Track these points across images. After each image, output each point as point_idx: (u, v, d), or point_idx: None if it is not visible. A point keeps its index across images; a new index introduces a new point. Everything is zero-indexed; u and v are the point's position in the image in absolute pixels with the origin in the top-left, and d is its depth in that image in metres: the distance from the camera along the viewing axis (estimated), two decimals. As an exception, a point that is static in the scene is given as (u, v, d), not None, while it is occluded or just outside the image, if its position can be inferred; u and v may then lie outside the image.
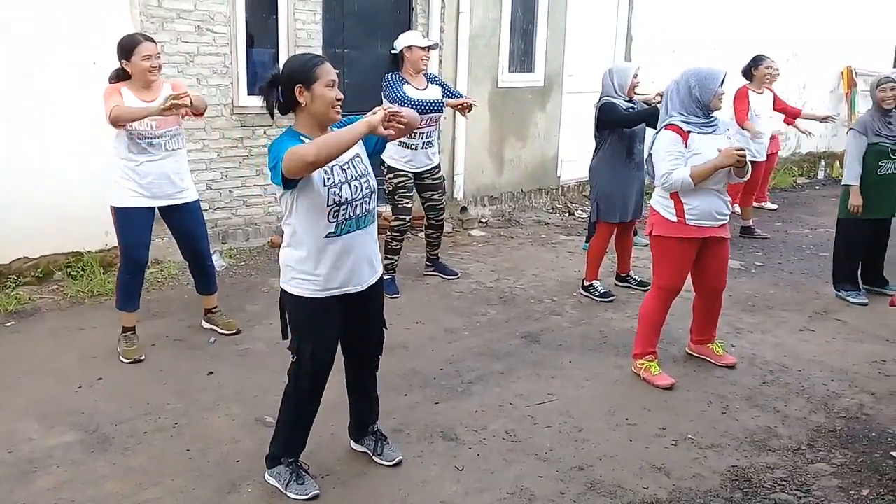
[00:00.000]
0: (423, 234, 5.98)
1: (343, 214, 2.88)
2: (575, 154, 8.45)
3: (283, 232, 2.99)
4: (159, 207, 4.30)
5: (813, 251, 7.11)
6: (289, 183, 2.76)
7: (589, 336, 4.84)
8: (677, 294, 4.22)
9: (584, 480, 3.24)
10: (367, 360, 3.27)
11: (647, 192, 5.82)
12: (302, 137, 2.81)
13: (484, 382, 4.13)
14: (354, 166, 2.94)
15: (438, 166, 5.59)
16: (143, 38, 4.14)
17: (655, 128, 5.18)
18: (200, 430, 3.56)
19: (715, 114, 4.05)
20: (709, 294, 4.32)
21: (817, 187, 10.70)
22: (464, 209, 7.57)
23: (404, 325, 4.86)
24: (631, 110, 5.30)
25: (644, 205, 5.69)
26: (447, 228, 6.14)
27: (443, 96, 5.43)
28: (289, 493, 3.03)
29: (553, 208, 8.46)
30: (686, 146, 3.96)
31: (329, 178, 2.84)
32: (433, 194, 5.57)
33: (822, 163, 11.53)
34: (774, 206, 8.90)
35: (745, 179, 4.15)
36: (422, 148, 5.37)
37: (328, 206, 2.84)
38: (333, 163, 2.87)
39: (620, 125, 5.25)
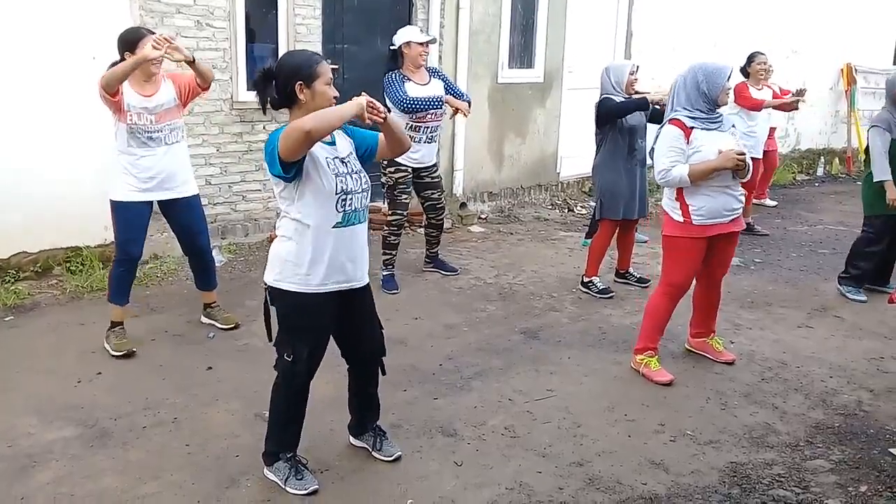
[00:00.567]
0: (422, 232, 5.98)
1: (349, 205, 2.89)
2: (574, 150, 8.45)
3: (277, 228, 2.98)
4: (159, 201, 4.30)
5: (812, 248, 7.11)
6: (289, 169, 2.75)
7: (588, 332, 4.84)
8: (685, 291, 4.21)
9: (583, 476, 3.25)
10: (370, 366, 3.26)
11: (650, 188, 5.84)
12: None
13: (483, 378, 4.14)
14: (352, 162, 2.97)
15: (436, 165, 5.59)
16: (145, 31, 4.15)
17: (649, 119, 5.20)
18: (199, 424, 3.56)
19: (720, 110, 4.05)
20: (708, 282, 4.33)
21: (816, 184, 10.70)
22: (463, 205, 7.57)
23: (403, 321, 4.86)
24: None
25: (649, 202, 5.70)
26: (446, 224, 6.14)
27: (446, 91, 5.43)
28: (288, 488, 3.04)
29: (552, 204, 8.46)
30: (688, 142, 3.95)
31: (335, 168, 2.86)
32: (433, 193, 5.57)
33: (822, 160, 11.53)
34: (774, 203, 8.90)
35: (746, 180, 4.14)
36: (425, 143, 5.36)
37: (337, 193, 2.84)
38: (334, 155, 2.88)
39: (615, 115, 5.26)
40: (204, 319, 4.72)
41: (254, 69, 6.05)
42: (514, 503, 3.06)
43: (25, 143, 5.12)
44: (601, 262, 5.59)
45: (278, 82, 2.86)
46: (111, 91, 3.93)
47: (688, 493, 3.15)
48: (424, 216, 5.73)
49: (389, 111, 2.95)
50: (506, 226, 7.55)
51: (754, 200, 7.96)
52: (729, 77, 3.97)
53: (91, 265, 5.39)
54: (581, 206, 8.37)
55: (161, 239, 5.45)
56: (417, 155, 5.34)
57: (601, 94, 5.39)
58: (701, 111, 3.97)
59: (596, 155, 5.49)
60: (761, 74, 7.20)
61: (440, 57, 7.19)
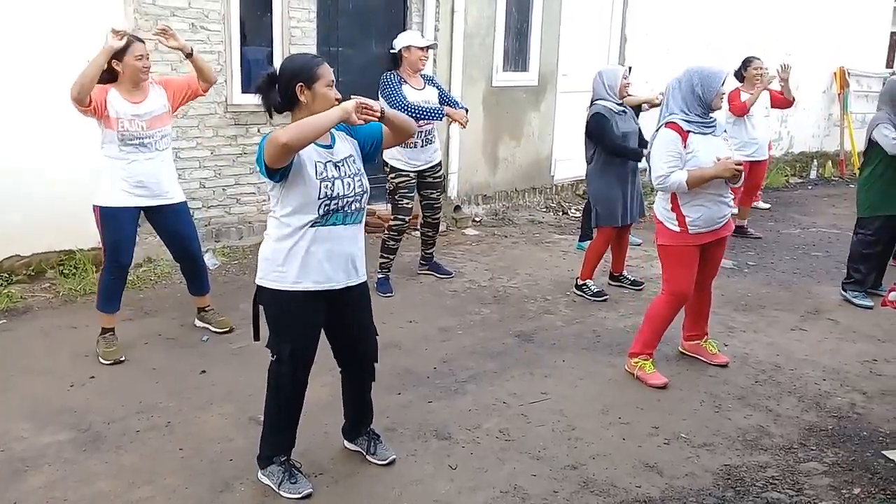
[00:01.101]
0: (417, 233, 5.98)
1: (333, 207, 2.88)
2: (569, 153, 8.46)
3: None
4: (144, 209, 4.27)
5: (805, 251, 7.13)
6: (272, 174, 2.76)
7: (582, 335, 4.85)
8: (687, 299, 4.20)
9: (578, 479, 3.25)
10: (361, 369, 3.25)
11: (644, 190, 5.85)
12: None
13: (477, 381, 4.14)
14: (348, 165, 2.95)
15: (440, 164, 5.60)
16: (134, 38, 4.13)
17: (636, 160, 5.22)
18: (193, 428, 3.55)
19: (713, 114, 4.06)
20: (701, 283, 4.33)
21: (809, 187, 10.73)
22: (458, 208, 7.57)
23: (398, 324, 4.86)
24: (622, 113, 5.33)
25: (643, 204, 5.71)
26: (441, 227, 6.14)
27: (440, 100, 5.44)
28: (282, 492, 3.03)
29: (547, 207, 8.47)
30: (685, 146, 3.96)
31: (322, 172, 2.85)
32: (432, 192, 5.58)
33: (815, 163, 11.57)
34: (767, 206, 8.93)
35: (738, 185, 4.14)
36: (422, 146, 5.37)
37: (319, 198, 2.84)
38: (327, 158, 2.87)
39: (602, 146, 5.30)
40: (198, 323, 4.71)
41: (249, 72, 6.08)
42: (509, 506, 3.06)
43: (19, 146, 5.11)
44: (597, 266, 5.60)
45: (280, 86, 2.87)
46: (83, 100, 3.89)
47: (682, 496, 3.15)
48: (420, 215, 5.74)
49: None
50: (500, 229, 7.55)
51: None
52: (724, 81, 3.99)
53: (84, 268, 5.37)
54: (575, 209, 8.38)
55: (154, 242, 5.42)
56: (416, 160, 5.35)
57: (593, 99, 5.40)
58: (696, 115, 3.98)
59: (588, 163, 5.49)
60: (757, 79, 7.22)
61: (435, 60, 7.19)
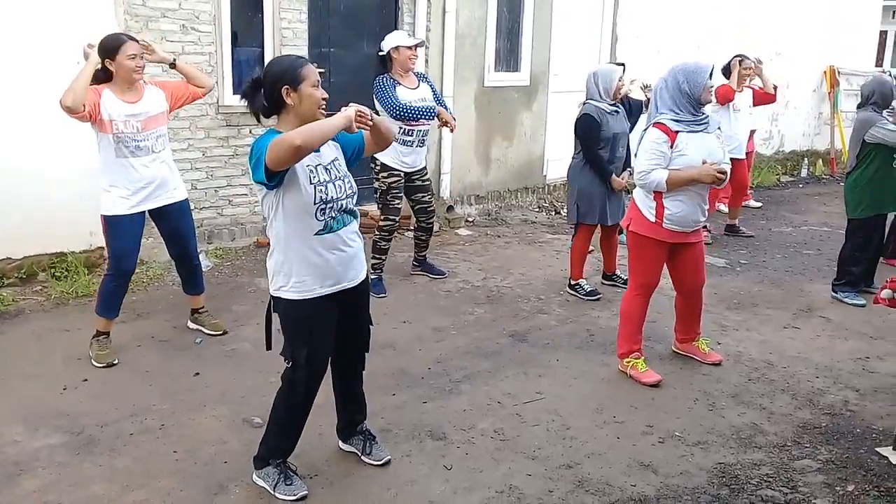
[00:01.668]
0: (410, 235, 5.97)
1: (329, 212, 2.88)
2: (561, 153, 8.45)
3: (269, 237, 2.98)
4: (150, 210, 4.26)
5: (797, 249, 7.16)
6: (272, 178, 2.74)
7: (576, 334, 4.85)
8: (654, 289, 4.25)
9: (572, 478, 3.25)
10: (353, 358, 3.25)
11: (629, 190, 5.87)
12: None
13: (472, 381, 4.14)
14: (336, 168, 2.96)
15: (425, 168, 5.59)
16: (127, 37, 4.11)
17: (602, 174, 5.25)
18: (187, 431, 3.54)
19: (705, 109, 4.07)
20: (687, 291, 4.35)
21: (801, 186, 10.77)
22: (450, 208, 7.57)
23: (392, 325, 4.86)
24: (615, 113, 5.34)
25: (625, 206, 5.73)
26: (434, 228, 6.14)
27: (433, 97, 5.44)
28: (277, 494, 3.02)
29: (539, 207, 8.48)
30: (672, 146, 3.97)
31: (315, 177, 2.84)
32: (423, 196, 5.57)
33: (806, 161, 11.62)
34: (758, 204, 8.96)
35: (720, 186, 4.15)
36: (417, 146, 5.37)
37: (315, 203, 2.84)
38: (317, 162, 2.87)
39: (585, 148, 5.34)
40: (191, 325, 4.69)
41: (240, 73, 6.07)
42: (504, 506, 3.06)
43: (9, 148, 5.08)
44: (584, 263, 5.61)
45: (265, 89, 2.86)
46: (77, 108, 3.87)
47: (677, 495, 3.16)
48: (414, 219, 5.72)
49: (378, 114, 2.95)
50: (493, 228, 7.55)
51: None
52: (711, 75, 3.99)
53: (76, 271, 5.34)
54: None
55: (147, 244, 5.40)
56: (409, 159, 5.35)
57: (585, 99, 5.40)
58: (686, 112, 3.99)
59: (574, 157, 5.50)
60: (745, 78, 7.25)
61: (427, 60, 7.20)
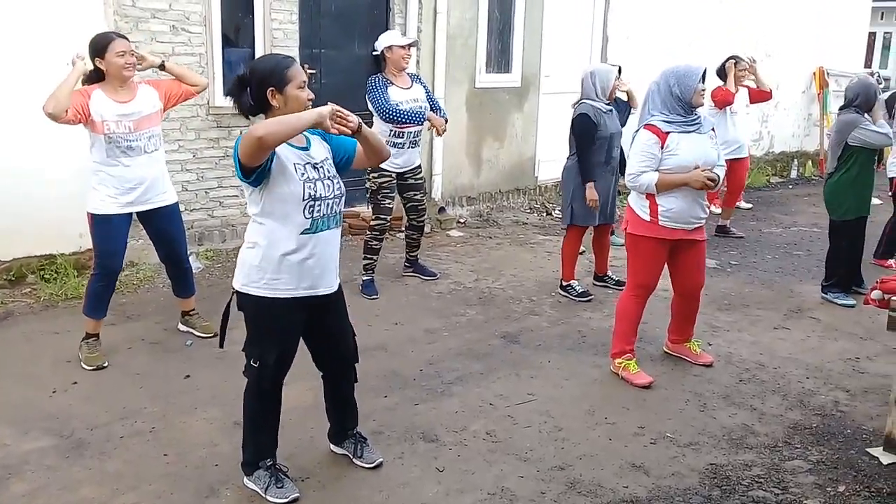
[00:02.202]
0: (402, 235, 5.97)
1: (318, 211, 2.87)
2: (552, 154, 8.47)
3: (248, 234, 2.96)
4: (138, 212, 4.24)
5: (787, 249, 7.19)
6: (249, 174, 2.73)
7: (568, 336, 4.86)
8: (652, 291, 4.25)
9: (565, 480, 3.25)
10: (342, 372, 3.24)
11: (621, 191, 5.88)
12: None
13: (464, 383, 4.13)
14: (325, 167, 2.94)
15: (420, 166, 5.59)
16: (115, 35, 4.09)
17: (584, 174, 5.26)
18: (178, 434, 3.53)
19: (698, 111, 4.08)
20: (686, 292, 4.36)
21: (790, 186, 10.82)
22: (442, 210, 7.57)
23: (383, 327, 4.85)
24: (610, 112, 5.35)
25: (618, 206, 5.74)
26: (425, 229, 6.14)
27: (426, 97, 5.45)
28: (268, 497, 3.01)
29: (531, 208, 8.49)
30: (663, 147, 3.98)
31: (304, 174, 2.83)
32: (415, 195, 5.57)
33: (795, 162, 11.67)
34: (749, 205, 8.99)
35: (714, 189, 4.16)
36: (408, 147, 5.37)
37: (304, 199, 2.82)
38: (306, 160, 2.85)
39: (578, 147, 5.33)
40: (181, 327, 4.67)
41: (231, 74, 6.04)
42: (497, 508, 3.06)
43: (-2, 149, 5.05)
44: (575, 265, 5.62)
45: (252, 89, 2.84)
46: (59, 115, 3.85)
47: (668, 496, 3.17)
48: (405, 219, 5.72)
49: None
50: (484, 230, 7.55)
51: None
52: (702, 78, 4.00)
53: (65, 273, 5.32)
54: (559, 210, 8.38)
55: (137, 246, 5.39)
56: (400, 160, 5.33)
57: (581, 98, 5.40)
58: (677, 114, 4.00)
59: (569, 158, 5.50)
60: (740, 78, 7.29)
61: (418, 61, 7.19)
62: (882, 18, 18.04)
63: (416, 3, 7.09)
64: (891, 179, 6.38)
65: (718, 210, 7.87)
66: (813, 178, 11.47)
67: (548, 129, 8.47)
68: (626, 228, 4.22)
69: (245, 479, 3.10)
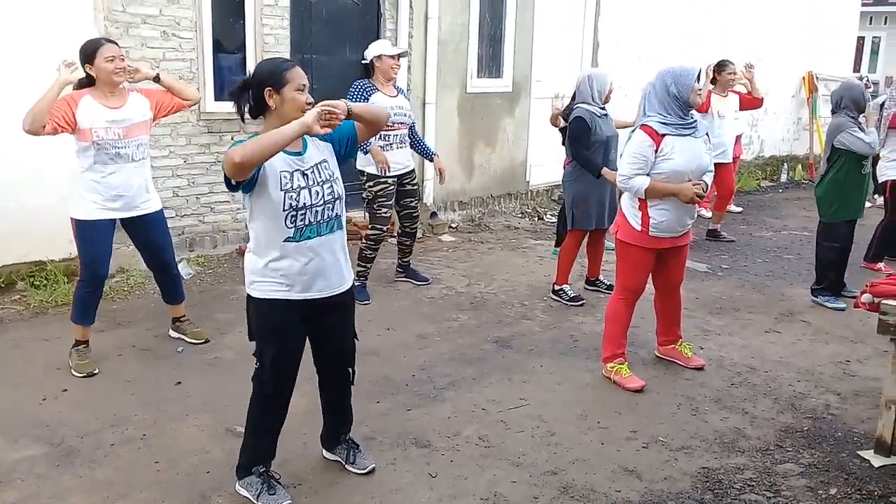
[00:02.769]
0: (394, 241, 5.97)
1: (301, 220, 2.85)
2: (543, 159, 8.51)
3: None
4: (122, 219, 4.22)
5: (777, 253, 7.22)
6: (234, 186, 2.74)
7: (560, 340, 4.86)
8: (640, 295, 4.27)
9: (557, 485, 3.25)
10: (337, 373, 3.23)
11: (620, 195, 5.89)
12: None
13: (456, 388, 4.13)
14: (319, 171, 2.91)
15: (414, 170, 5.59)
16: (105, 40, 4.08)
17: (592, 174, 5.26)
18: (169, 441, 3.51)
19: (693, 114, 4.09)
20: (666, 289, 4.39)
21: (780, 190, 10.88)
22: (434, 214, 7.57)
23: (375, 332, 4.84)
24: (605, 116, 5.38)
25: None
26: (417, 234, 6.14)
27: (409, 130, 5.52)
28: (260, 504, 3.00)
29: (522, 213, 8.50)
30: (658, 150, 3.98)
31: (287, 183, 2.82)
32: (410, 201, 5.57)
33: (785, 166, 11.74)
34: (739, 209, 9.03)
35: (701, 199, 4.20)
36: (397, 147, 5.36)
37: (283, 210, 2.82)
38: (295, 167, 2.85)
39: (573, 150, 5.34)
40: (172, 333, 4.65)
41: (222, 80, 6.04)
42: (489, 514, 3.06)
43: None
44: (571, 270, 5.62)
45: (252, 90, 2.86)
46: (38, 131, 3.85)
47: (661, 500, 3.17)
48: (398, 225, 5.72)
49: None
50: (476, 235, 7.56)
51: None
52: (698, 78, 4.01)
53: (55, 280, 5.29)
54: (551, 214, 8.41)
55: (127, 252, 5.36)
56: (395, 164, 5.32)
57: (576, 103, 5.41)
58: (674, 116, 4.00)
59: (566, 164, 5.52)
60: (731, 83, 7.33)
61: (409, 67, 7.20)
62: (871, 23, 18.18)
63: (407, 8, 7.09)
64: (883, 183, 6.41)
65: (709, 214, 7.90)
66: (803, 181, 11.53)
67: (539, 133, 8.48)
68: (616, 233, 4.23)
69: (237, 485, 3.08)
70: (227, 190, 2.84)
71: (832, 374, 4.46)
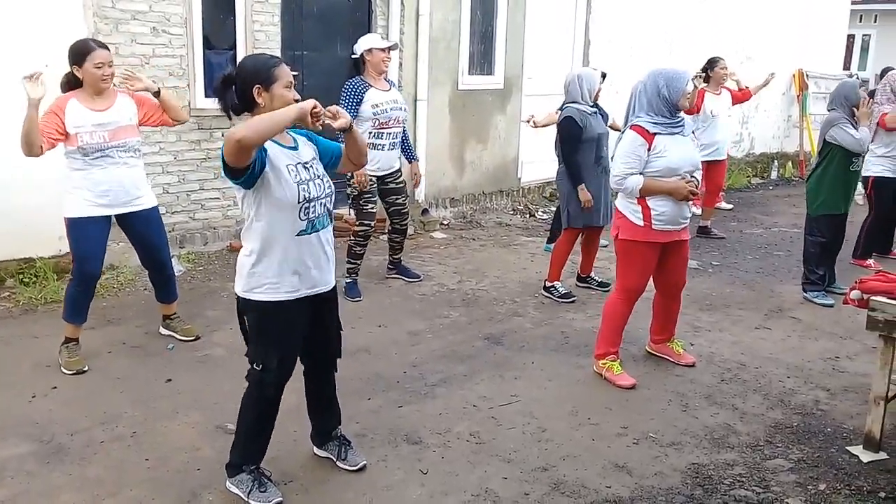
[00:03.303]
0: (385, 238, 5.96)
1: (312, 212, 2.87)
2: (535, 155, 8.51)
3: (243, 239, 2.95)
4: (116, 216, 4.20)
5: (767, 250, 7.25)
6: (237, 176, 2.71)
7: (551, 337, 4.87)
8: (640, 295, 4.27)
9: (548, 481, 3.26)
10: (326, 365, 3.23)
11: (614, 194, 5.90)
12: None
13: (447, 385, 4.13)
14: (315, 167, 2.94)
15: (400, 170, 5.58)
16: (96, 44, 4.03)
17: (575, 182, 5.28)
18: (159, 438, 3.50)
19: (680, 114, 4.10)
20: (670, 291, 4.38)
21: (771, 187, 10.92)
22: (425, 211, 7.56)
23: (367, 329, 4.84)
24: (595, 115, 5.39)
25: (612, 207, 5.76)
26: (409, 231, 6.14)
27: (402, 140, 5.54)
28: (251, 501, 2.98)
29: (514, 210, 8.50)
30: (650, 148, 3.99)
31: (297, 175, 2.82)
32: (397, 199, 5.56)
33: (775, 163, 11.78)
34: (729, 206, 9.06)
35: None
36: (388, 149, 5.35)
37: (299, 202, 2.82)
38: (296, 160, 2.85)
39: (564, 152, 5.36)
40: (163, 331, 4.63)
41: (212, 76, 6.01)
42: (480, 510, 3.06)
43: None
44: (563, 267, 5.63)
45: (237, 87, 2.84)
46: (36, 153, 3.89)
47: (651, 496, 3.18)
48: (388, 222, 5.71)
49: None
50: (468, 231, 7.56)
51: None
52: (688, 82, 4.03)
53: (45, 277, 5.26)
54: (542, 211, 8.42)
55: (118, 249, 5.35)
56: (379, 164, 5.32)
57: (566, 102, 5.43)
58: (663, 116, 4.01)
59: (560, 163, 5.52)
60: (724, 79, 7.36)
61: (400, 63, 7.19)
62: (860, 21, 18.26)
63: (398, 5, 7.08)
64: (866, 178, 6.45)
65: (699, 211, 7.92)
66: (793, 179, 11.58)
67: (531, 130, 8.43)
68: (616, 235, 4.22)
69: (227, 482, 3.08)
70: (232, 184, 2.78)
71: (821, 371, 4.48)
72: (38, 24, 5.10)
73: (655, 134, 3.99)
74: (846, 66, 13.56)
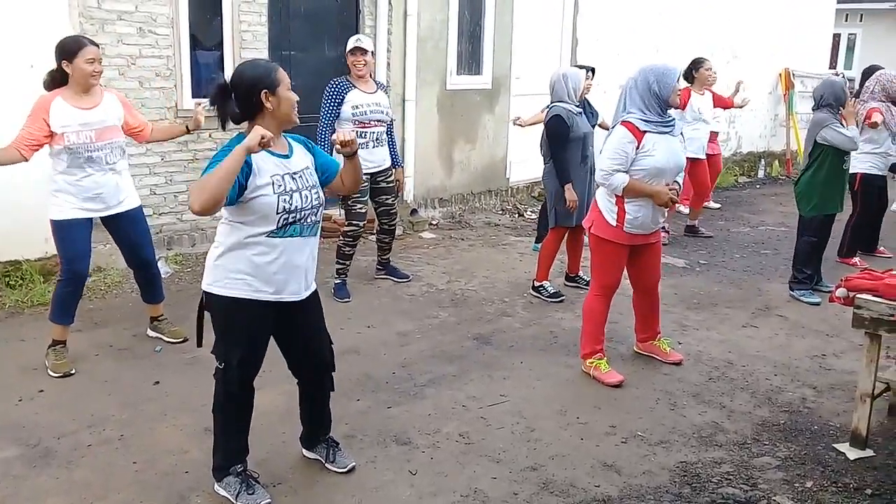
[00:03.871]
0: (373, 238, 5.96)
1: (291, 221, 2.85)
2: (523, 155, 8.52)
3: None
4: (101, 217, 4.18)
5: (755, 249, 7.29)
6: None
7: (540, 336, 4.88)
8: (615, 290, 4.30)
9: (537, 480, 3.26)
10: (313, 378, 3.22)
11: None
12: None
13: (436, 385, 4.13)
14: (305, 177, 2.92)
15: (391, 169, 5.57)
16: (87, 40, 4.02)
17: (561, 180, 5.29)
18: (147, 441, 3.48)
19: (671, 112, 4.12)
20: (644, 288, 4.42)
21: (758, 186, 10.97)
22: (414, 211, 7.56)
23: (356, 330, 4.83)
24: (581, 114, 5.40)
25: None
26: (397, 231, 6.13)
27: (387, 129, 5.53)
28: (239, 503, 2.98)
29: (503, 210, 8.51)
30: (639, 146, 4.00)
31: (280, 186, 2.81)
32: (387, 198, 5.56)
33: (762, 162, 11.84)
34: (717, 205, 9.10)
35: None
36: (372, 147, 5.34)
37: (278, 213, 2.81)
38: (284, 171, 2.84)
39: (553, 149, 5.37)
40: (150, 333, 4.61)
41: (199, 76, 5.99)
42: (470, 510, 3.06)
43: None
44: (551, 266, 5.64)
45: (239, 95, 2.82)
46: (20, 160, 3.92)
47: (640, 494, 3.19)
48: (376, 222, 5.71)
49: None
50: (457, 231, 7.56)
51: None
52: (678, 79, 4.05)
53: (31, 279, 5.23)
54: (531, 211, 8.43)
55: (104, 251, 5.32)
56: (373, 159, 5.31)
57: (553, 101, 5.43)
58: (654, 113, 4.02)
59: (546, 162, 5.54)
60: (709, 80, 7.38)
61: (388, 64, 7.19)
62: (846, 20, 18.36)
63: (386, 5, 7.07)
64: (853, 176, 6.48)
65: (686, 210, 7.95)
66: (780, 177, 11.65)
67: (519, 130, 8.46)
68: (590, 227, 4.24)
69: (216, 485, 3.07)
70: None
71: (808, 368, 4.51)
72: (22, 24, 5.06)
73: (646, 132, 4.00)
74: (832, 65, 13.64)
